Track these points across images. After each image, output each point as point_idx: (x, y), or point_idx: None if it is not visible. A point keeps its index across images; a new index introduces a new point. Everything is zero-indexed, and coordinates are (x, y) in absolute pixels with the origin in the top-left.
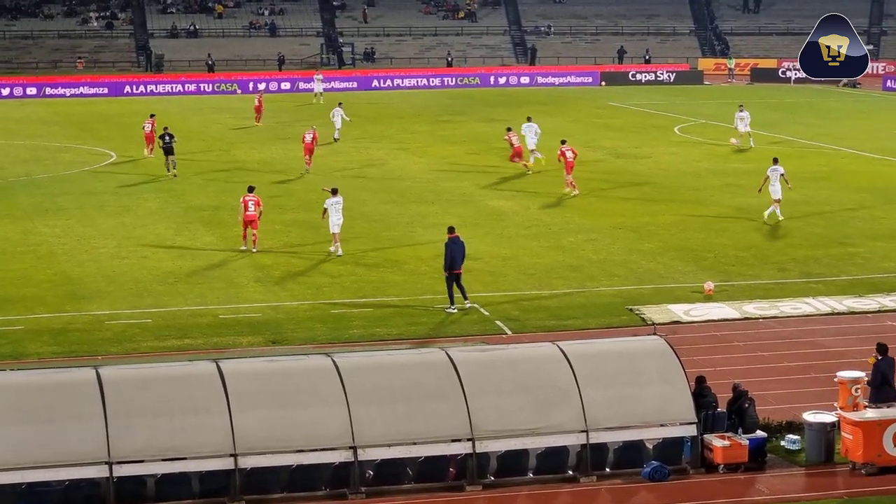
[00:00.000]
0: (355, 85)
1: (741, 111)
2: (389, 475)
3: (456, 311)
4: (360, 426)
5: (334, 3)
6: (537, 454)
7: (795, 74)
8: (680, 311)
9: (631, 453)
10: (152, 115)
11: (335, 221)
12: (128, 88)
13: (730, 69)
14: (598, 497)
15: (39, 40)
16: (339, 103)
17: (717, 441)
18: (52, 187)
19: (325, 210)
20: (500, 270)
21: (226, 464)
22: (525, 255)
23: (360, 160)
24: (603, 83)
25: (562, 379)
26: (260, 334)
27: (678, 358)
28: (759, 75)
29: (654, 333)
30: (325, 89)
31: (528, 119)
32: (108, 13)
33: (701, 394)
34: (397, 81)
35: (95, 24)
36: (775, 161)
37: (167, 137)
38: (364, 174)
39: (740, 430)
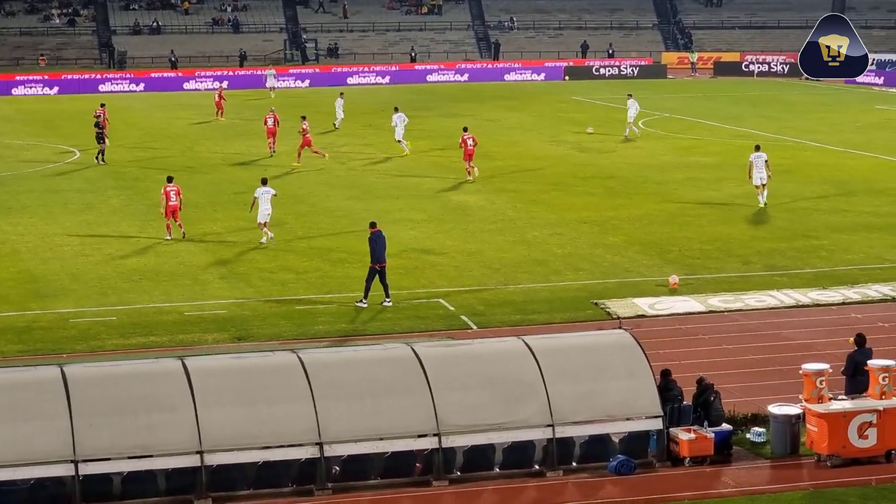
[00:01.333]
0: (318, 81)
1: (630, 99)
2: (356, 471)
3: (366, 305)
4: (327, 422)
5: None
6: (503, 449)
7: (758, 68)
8: (645, 304)
9: (597, 447)
10: (102, 105)
11: (264, 210)
12: (90, 86)
13: (692, 63)
14: (565, 491)
15: (1, 37)
16: (341, 94)
17: (682, 434)
18: (15, 185)
19: (255, 199)
20: (464, 265)
21: (192, 461)
22: (490, 250)
23: (322, 157)
24: (566, 77)
25: (527, 373)
26: (225, 331)
27: (643, 351)
28: (722, 69)
29: (620, 327)
30: (278, 86)
31: (396, 109)
32: (70, 10)
33: (666, 387)
34: (361, 77)
35: (58, 21)
36: (757, 148)
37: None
38: (328, 170)
39: (706, 424)
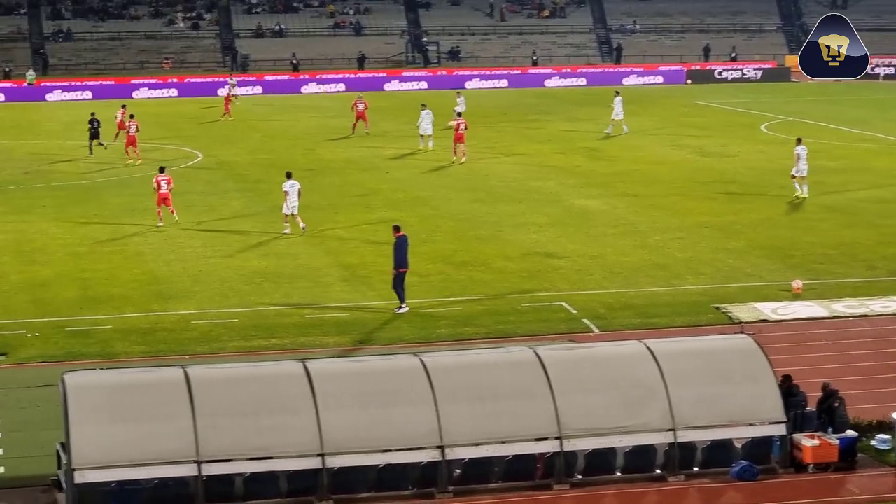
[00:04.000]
0: (438, 84)
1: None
2: (477, 474)
3: (408, 309)
4: (448, 425)
5: (419, 1)
6: (625, 453)
7: (884, 71)
8: (767, 309)
9: (719, 452)
10: (123, 106)
11: (291, 203)
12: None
13: None
14: (687, 496)
15: (126, 41)
16: (423, 104)
17: (806, 440)
18: (139, 187)
19: (287, 193)
20: (586, 269)
21: (313, 463)
22: (611, 254)
23: (447, 159)
24: (688, 81)
25: (649, 377)
26: (347, 334)
27: (766, 357)
28: None
29: (742, 332)
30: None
31: (423, 106)
32: (193, 14)
33: (790, 393)
34: (481, 81)
35: (181, 24)
36: (799, 141)
37: (95, 123)
38: (450, 173)
39: (830, 430)
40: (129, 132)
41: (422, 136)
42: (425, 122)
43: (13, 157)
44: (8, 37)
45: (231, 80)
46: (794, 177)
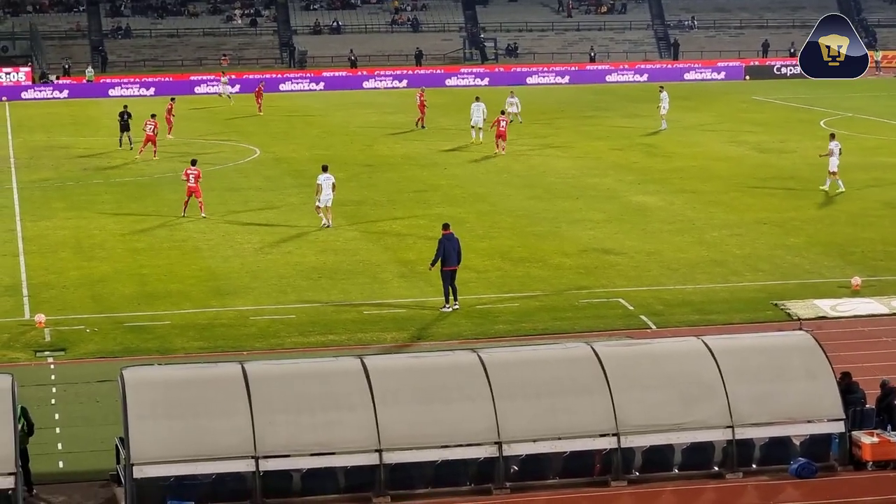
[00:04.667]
0: (497, 80)
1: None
2: (534, 470)
3: (450, 309)
4: (505, 421)
5: None
6: (682, 449)
7: None
8: (826, 306)
9: (777, 449)
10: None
11: (326, 196)
12: (270, 85)
13: (876, 62)
14: (745, 493)
15: (185, 38)
16: (477, 97)
17: (865, 438)
18: None
19: (319, 186)
20: (643, 265)
21: (371, 459)
22: (669, 250)
23: (504, 156)
24: (747, 77)
25: (707, 374)
26: (404, 330)
27: (825, 353)
28: None
29: (800, 329)
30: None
31: (477, 98)
32: (252, 10)
33: (848, 390)
34: (540, 77)
35: (239, 21)
36: (833, 137)
37: (125, 115)
38: (508, 169)
39: (889, 428)
40: (146, 131)
41: (472, 127)
42: (476, 114)
43: (72, 154)
44: (67, 34)
45: (223, 78)
46: (832, 172)
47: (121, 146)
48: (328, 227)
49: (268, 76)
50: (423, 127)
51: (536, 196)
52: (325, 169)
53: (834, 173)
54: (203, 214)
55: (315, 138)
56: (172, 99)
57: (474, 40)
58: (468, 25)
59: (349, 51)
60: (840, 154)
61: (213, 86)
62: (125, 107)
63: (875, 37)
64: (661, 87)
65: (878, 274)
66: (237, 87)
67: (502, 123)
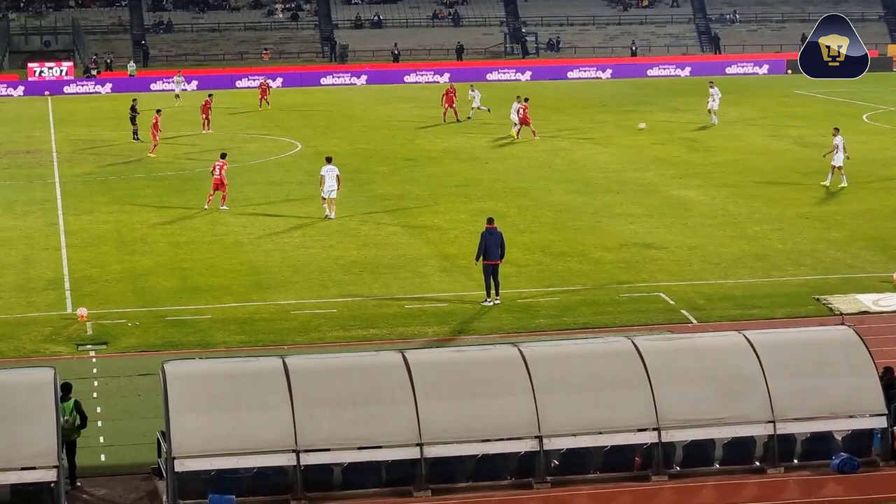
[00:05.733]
0: (539, 75)
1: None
2: (575, 464)
3: (491, 303)
4: (546, 415)
5: None
6: (723, 444)
7: None
8: (868, 301)
9: (819, 444)
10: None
11: (329, 187)
12: (312, 79)
13: None
14: (786, 488)
15: (226, 32)
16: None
17: None
18: (239, 177)
19: (323, 177)
20: (685, 259)
21: (412, 453)
22: (710, 245)
23: (545, 150)
24: (789, 71)
25: (748, 368)
26: (446, 324)
27: (867, 348)
28: None
29: (842, 323)
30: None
31: (518, 98)
32: (293, 5)
33: (891, 385)
34: (581, 71)
35: (281, 15)
36: (837, 130)
37: (134, 110)
38: (549, 164)
39: None
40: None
41: (513, 121)
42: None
43: (114, 149)
44: (109, 28)
45: (178, 76)
46: (838, 167)
47: (135, 139)
48: (330, 218)
49: (308, 70)
50: (458, 120)
51: (577, 190)
52: (328, 160)
53: (839, 168)
54: (224, 206)
55: (356, 132)
56: (210, 95)
57: (515, 35)
58: (509, 20)
59: (392, 45)
60: (845, 150)
61: (253, 80)
62: (134, 100)
63: None
64: (712, 83)
65: None
66: (279, 81)
67: (520, 112)
